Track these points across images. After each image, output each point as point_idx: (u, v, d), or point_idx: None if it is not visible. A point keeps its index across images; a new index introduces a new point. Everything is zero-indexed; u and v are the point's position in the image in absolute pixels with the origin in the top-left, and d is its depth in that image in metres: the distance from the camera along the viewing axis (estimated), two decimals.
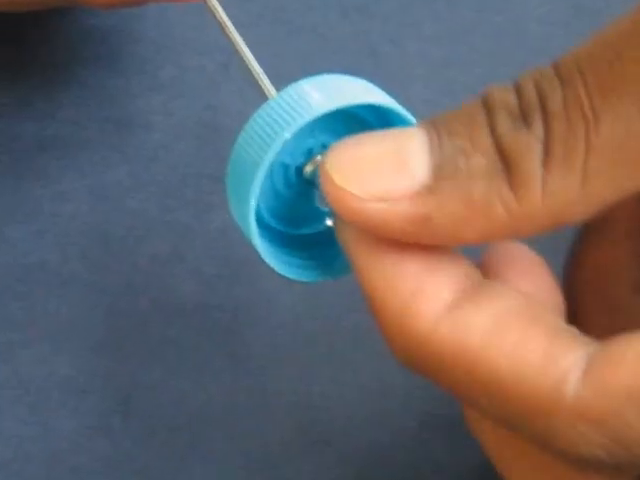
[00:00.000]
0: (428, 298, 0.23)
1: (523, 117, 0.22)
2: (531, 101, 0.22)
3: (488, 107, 0.23)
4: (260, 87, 0.25)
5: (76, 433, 0.34)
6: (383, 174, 0.23)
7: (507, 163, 0.22)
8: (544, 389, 0.22)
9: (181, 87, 0.39)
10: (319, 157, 0.25)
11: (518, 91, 0.23)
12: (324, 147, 0.25)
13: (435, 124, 0.23)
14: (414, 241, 0.23)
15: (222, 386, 0.35)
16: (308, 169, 0.25)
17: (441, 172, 0.22)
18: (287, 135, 0.23)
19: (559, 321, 0.23)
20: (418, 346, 0.23)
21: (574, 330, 0.23)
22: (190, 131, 0.38)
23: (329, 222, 0.26)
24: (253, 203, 0.24)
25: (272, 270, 0.26)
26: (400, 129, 0.23)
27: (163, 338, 0.35)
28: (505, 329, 0.22)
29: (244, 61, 0.26)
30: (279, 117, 0.24)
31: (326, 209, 0.26)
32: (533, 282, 0.25)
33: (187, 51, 0.39)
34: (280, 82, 0.26)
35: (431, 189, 0.22)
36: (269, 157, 0.23)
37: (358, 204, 0.23)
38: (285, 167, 0.25)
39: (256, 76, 0.26)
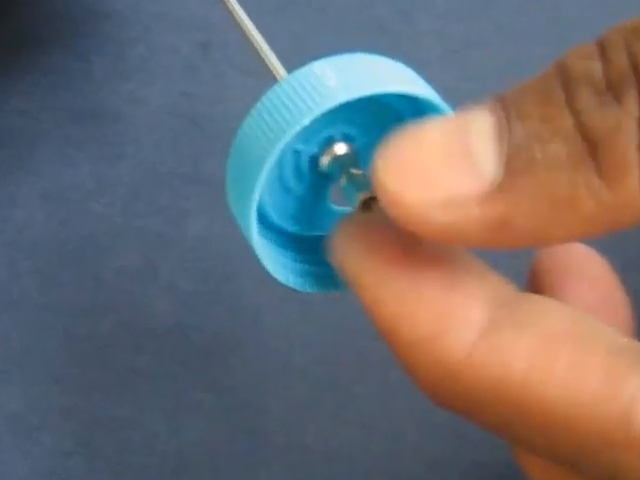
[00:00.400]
0: (457, 322, 0.22)
1: (612, 90, 0.21)
2: (622, 69, 0.21)
3: (566, 79, 0.21)
4: (267, 66, 0.25)
5: (28, 479, 0.33)
6: (445, 173, 0.21)
7: (594, 147, 0.21)
8: (608, 419, 0.21)
9: (152, 71, 0.38)
10: (338, 147, 0.24)
11: (604, 57, 0.21)
12: (345, 138, 0.24)
13: (503, 103, 0.22)
14: (491, 247, 0.22)
15: (200, 423, 0.33)
16: (324, 161, 0.24)
17: (513, 164, 0.21)
18: (305, 122, 0.22)
19: (621, 338, 0.22)
20: (451, 380, 0.22)
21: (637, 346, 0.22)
22: (163, 123, 0.37)
23: None
24: (256, 196, 0.23)
25: (270, 277, 0.25)
26: (462, 115, 0.22)
27: (131, 366, 0.34)
28: (554, 353, 0.22)
29: (247, 37, 0.26)
30: (294, 101, 0.23)
31: (341, 209, 0.25)
32: (595, 291, 0.25)
33: (159, 28, 0.38)
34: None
35: (504, 187, 0.21)
36: (279, 146, 0.23)
37: (420, 213, 0.21)
38: (297, 155, 0.24)
39: (262, 53, 0.25)
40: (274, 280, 0.25)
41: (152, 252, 0.36)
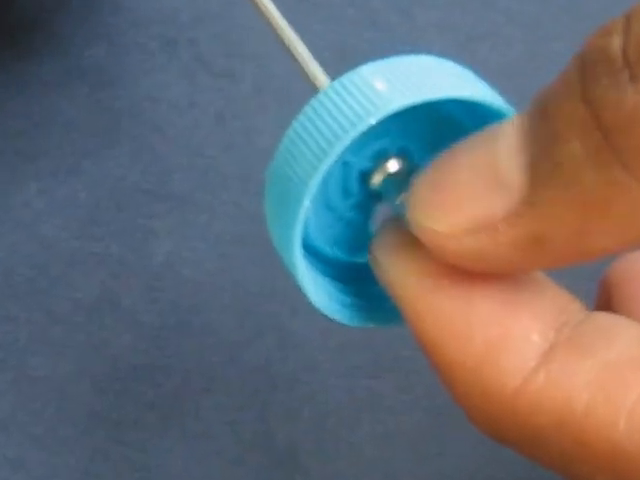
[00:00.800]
0: (514, 345, 0.22)
1: (628, 67, 0.20)
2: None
3: (582, 65, 0.21)
4: (306, 74, 0.25)
5: None
6: (471, 198, 0.21)
7: (612, 138, 0.20)
8: None
9: (112, 72, 0.37)
10: (391, 164, 0.24)
11: (626, 29, 0.20)
12: (400, 151, 0.24)
13: (531, 106, 0.21)
14: (529, 269, 0.22)
15: (169, 473, 0.32)
16: (376, 179, 0.24)
17: (538, 174, 0.21)
18: (357, 132, 0.22)
19: None
20: (505, 411, 0.22)
21: None
22: (124, 132, 0.36)
23: None
24: (302, 217, 0.23)
25: (311, 304, 0.24)
26: (491, 132, 0.22)
27: (91, 411, 0.33)
28: (623, 383, 0.21)
29: (282, 40, 0.26)
30: (342, 110, 0.23)
31: None
32: None
33: (120, 23, 0.37)
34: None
35: (531, 201, 0.21)
36: (329, 160, 0.22)
37: (451, 244, 0.22)
38: (345, 168, 0.24)
39: (301, 60, 0.25)
40: (317, 311, 0.25)
41: (112, 281, 0.35)
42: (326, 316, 0.25)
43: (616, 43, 0.20)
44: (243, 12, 0.37)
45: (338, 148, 0.23)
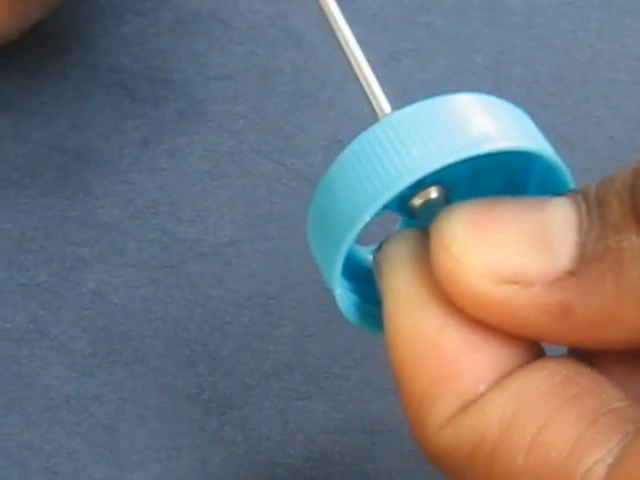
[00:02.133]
0: (454, 387, 0.22)
1: None
2: None
3: (635, 173, 0.22)
4: (371, 102, 0.24)
5: None
6: (516, 251, 0.22)
7: None
8: None
9: (34, 100, 0.36)
10: (432, 190, 0.24)
11: None
12: (440, 182, 0.24)
13: (585, 193, 0.22)
14: (544, 336, 0.22)
15: None
16: (417, 202, 0.24)
17: (589, 254, 0.22)
18: (404, 183, 0.22)
19: (610, 400, 0.22)
20: (428, 446, 0.22)
21: (628, 411, 0.22)
22: (48, 160, 0.35)
23: None
24: (345, 248, 0.23)
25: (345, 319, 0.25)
26: (542, 199, 0.23)
27: (23, 444, 0.32)
28: (530, 411, 0.22)
29: (351, 64, 0.25)
30: (402, 150, 0.23)
31: None
32: None
33: (39, 48, 0.35)
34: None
35: (574, 272, 0.22)
36: (384, 199, 0.22)
37: (477, 283, 0.22)
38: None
39: (367, 87, 0.24)
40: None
41: (42, 311, 0.34)
42: (356, 325, 0.25)
43: None
44: (164, 38, 0.37)
45: (393, 192, 0.22)
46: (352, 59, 0.25)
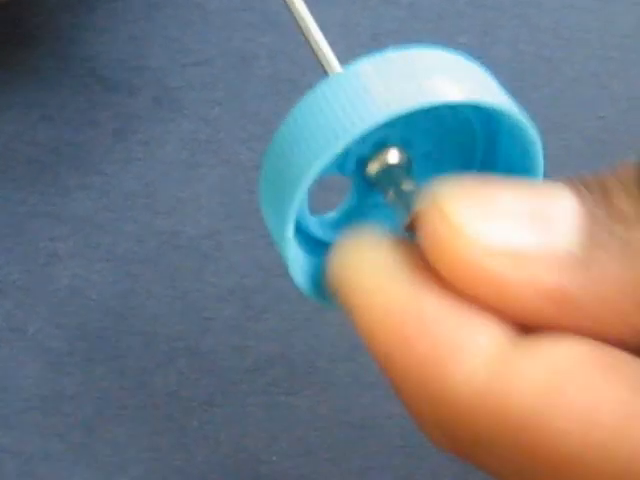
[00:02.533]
0: (461, 348, 0.21)
1: None
2: None
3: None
4: (319, 58, 0.25)
5: None
6: (520, 226, 0.22)
7: None
8: (626, 459, 0.20)
9: (3, 91, 0.35)
10: (391, 155, 0.24)
11: None
12: (403, 142, 0.24)
13: (588, 184, 0.22)
14: (542, 321, 0.22)
15: None
16: (373, 168, 0.24)
17: (592, 241, 0.22)
18: (356, 131, 0.22)
19: None
20: (450, 413, 0.21)
21: None
22: (19, 154, 0.35)
23: None
24: (296, 204, 0.23)
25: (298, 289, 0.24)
26: (543, 186, 0.23)
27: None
28: (567, 382, 0.21)
29: (298, 22, 0.25)
30: (347, 105, 0.22)
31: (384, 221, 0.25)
32: None
33: (9, 39, 0.35)
34: None
35: (579, 259, 0.21)
36: (330, 154, 0.22)
37: (478, 255, 0.21)
38: (344, 153, 0.24)
39: (314, 43, 0.25)
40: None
41: (16, 309, 0.34)
42: (311, 299, 0.24)
43: None
44: (137, 24, 0.36)
45: (344, 142, 0.22)
46: (301, 22, 0.25)
